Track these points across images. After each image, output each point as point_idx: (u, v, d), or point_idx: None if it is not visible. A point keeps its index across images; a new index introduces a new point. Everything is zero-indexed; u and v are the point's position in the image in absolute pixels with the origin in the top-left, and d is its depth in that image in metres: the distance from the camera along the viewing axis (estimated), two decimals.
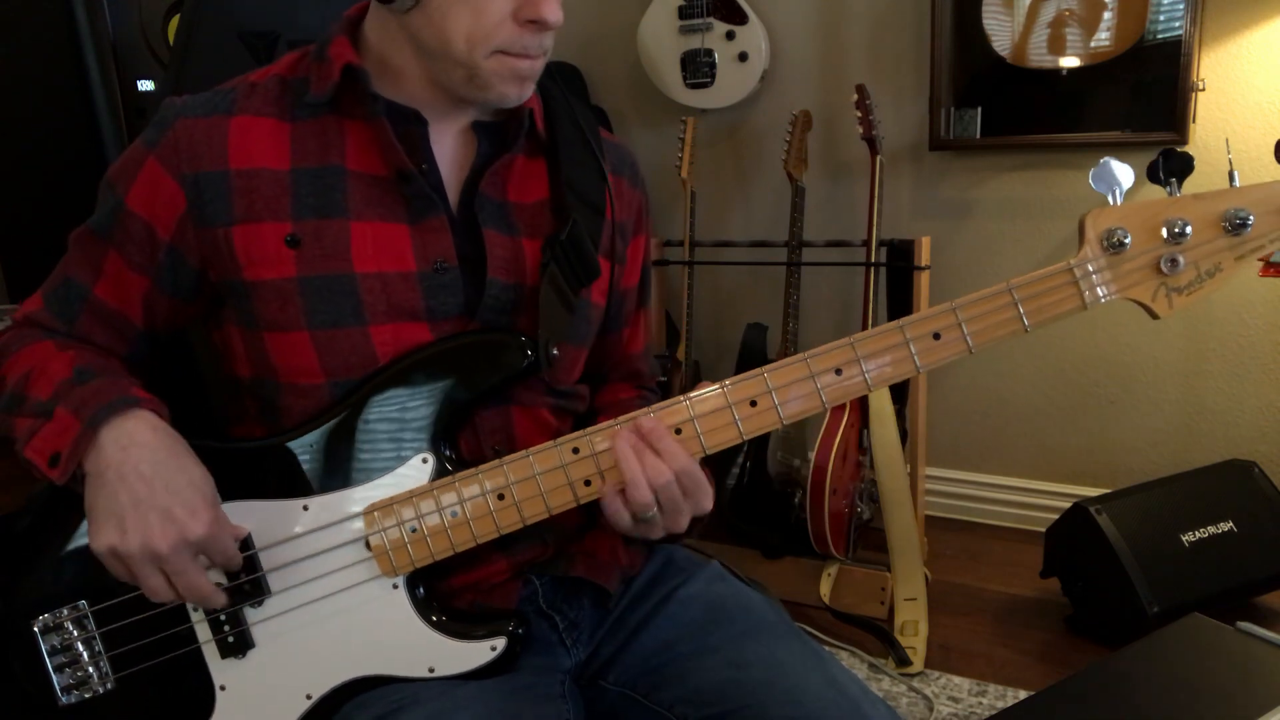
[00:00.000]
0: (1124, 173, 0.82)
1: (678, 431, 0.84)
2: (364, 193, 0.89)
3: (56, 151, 1.79)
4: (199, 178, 0.87)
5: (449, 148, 0.93)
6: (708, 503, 0.85)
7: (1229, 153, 0.83)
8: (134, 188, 0.89)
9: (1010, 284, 0.82)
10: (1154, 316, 0.84)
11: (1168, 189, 0.82)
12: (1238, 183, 0.82)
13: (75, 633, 0.87)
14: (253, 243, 0.87)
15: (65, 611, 0.87)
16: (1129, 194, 0.83)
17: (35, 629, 0.87)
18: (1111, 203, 0.82)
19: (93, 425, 0.81)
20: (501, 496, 0.85)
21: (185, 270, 0.90)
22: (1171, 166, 0.82)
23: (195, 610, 0.87)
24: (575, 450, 0.85)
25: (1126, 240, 0.81)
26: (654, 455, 0.83)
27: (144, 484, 0.80)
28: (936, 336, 0.83)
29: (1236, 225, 0.80)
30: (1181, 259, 0.81)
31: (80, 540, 0.88)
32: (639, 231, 1.06)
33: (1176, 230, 0.80)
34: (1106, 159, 0.82)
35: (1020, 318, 0.82)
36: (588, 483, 0.85)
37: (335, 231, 0.87)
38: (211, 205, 0.87)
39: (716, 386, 0.85)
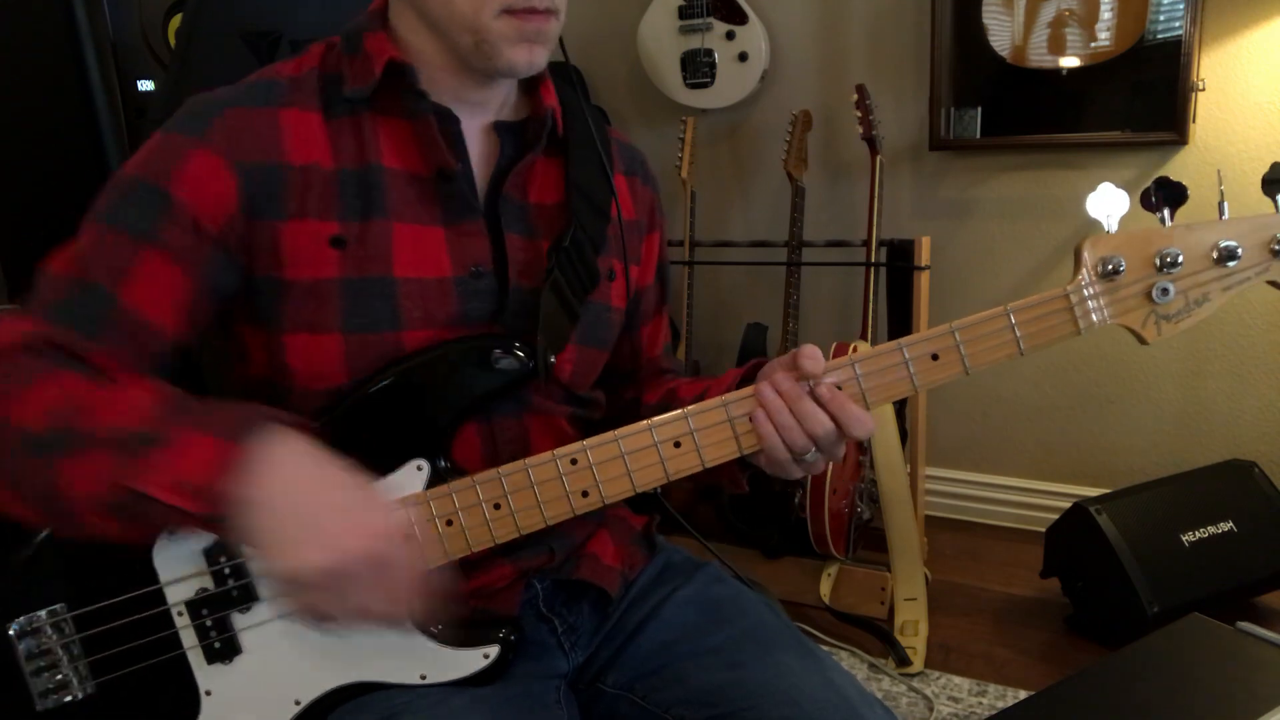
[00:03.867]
0: (1120, 199, 0.82)
1: (677, 445, 0.83)
2: (403, 193, 0.86)
3: (56, 151, 1.79)
4: (254, 168, 0.82)
5: (476, 148, 0.91)
6: (872, 427, 0.83)
7: (1220, 184, 0.84)
8: (180, 179, 0.81)
9: (1008, 308, 0.82)
10: (1142, 342, 0.85)
11: (1159, 217, 0.83)
12: (1227, 215, 0.83)
13: (53, 637, 0.84)
14: (299, 240, 0.83)
15: (43, 615, 0.84)
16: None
17: (10, 632, 0.84)
18: (1107, 228, 0.83)
19: (245, 441, 0.70)
20: (498, 506, 0.84)
21: (231, 267, 0.84)
22: (1165, 194, 0.83)
23: (180, 615, 0.85)
24: (574, 461, 0.83)
25: (1122, 268, 0.82)
26: (810, 403, 0.80)
27: (339, 490, 0.72)
28: (935, 358, 0.83)
29: (1225, 256, 0.82)
30: (1172, 288, 0.82)
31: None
32: (653, 229, 1.05)
33: (1169, 260, 0.82)
34: (1104, 184, 0.82)
35: (1016, 341, 0.83)
36: (585, 494, 0.84)
37: (379, 233, 0.85)
38: (265, 198, 0.83)
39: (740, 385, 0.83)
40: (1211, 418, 2.31)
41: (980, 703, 1.80)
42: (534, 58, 0.85)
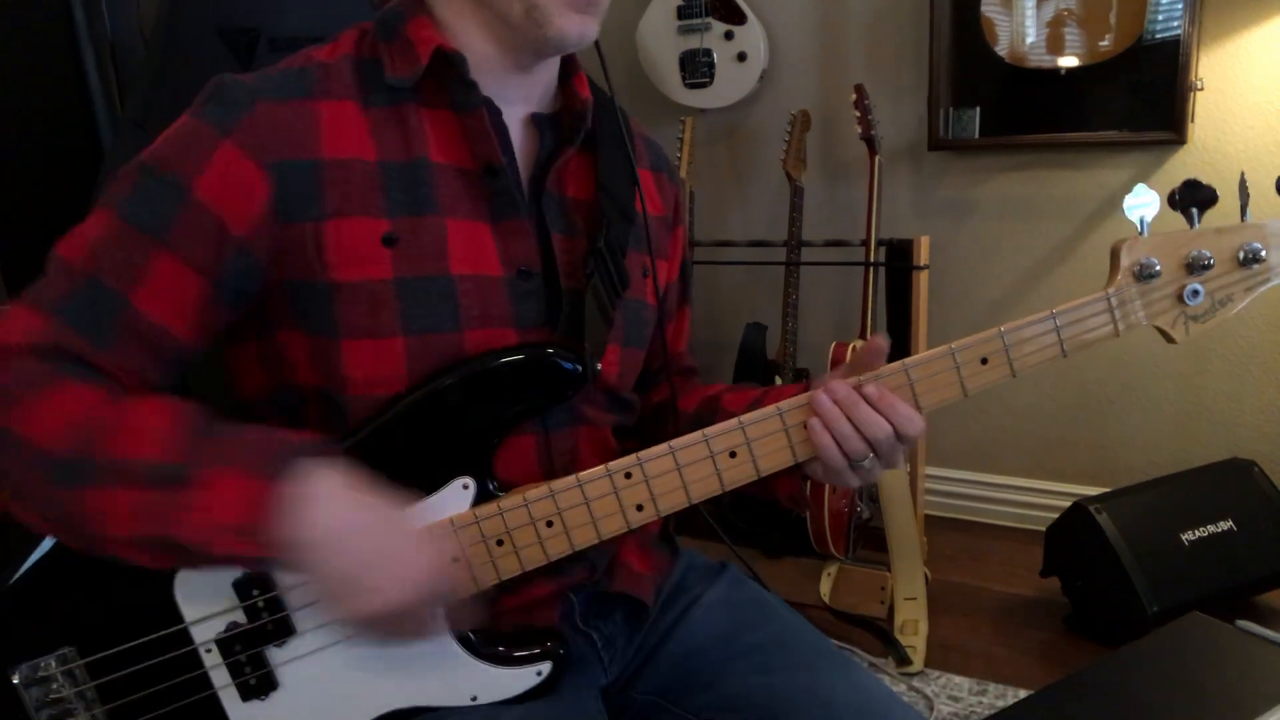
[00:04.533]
0: (1153, 200, 0.83)
1: (732, 455, 0.82)
2: (451, 187, 0.82)
3: (54, 152, 1.78)
4: (288, 167, 0.77)
5: (517, 141, 0.87)
6: (923, 426, 0.84)
7: (1247, 186, 0.84)
8: (204, 175, 0.76)
9: (1054, 311, 0.83)
10: (1170, 341, 0.86)
11: (1189, 218, 0.84)
12: (1249, 218, 0.84)
13: (65, 686, 0.78)
14: (346, 240, 0.78)
15: (52, 663, 0.78)
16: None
17: (14, 680, 0.78)
18: (1139, 230, 0.84)
19: (279, 477, 0.70)
20: (550, 524, 0.80)
21: (254, 273, 0.79)
22: (1193, 197, 0.84)
23: (209, 653, 0.80)
24: (628, 475, 0.81)
25: (1157, 270, 0.83)
26: (866, 409, 0.80)
27: (386, 532, 0.73)
28: (984, 361, 0.83)
29: (1249, 259, 0.83)
30: (1202, 290, 0.84)
31: (56, 571, 0.78)
32: (678, 223, 1.03)
33: (1202, 263, 0.83)
34: (1139, 185, 0.83)
35: (1060, 344, 0.84)
36: (640, 508, 0.81)
37: (432, 229, 0.81)
38: (300, 198, 0.78)
39: (774, 409, 0.82)
40: (1211, 417, 2.31)
41: (980, 702, 1.80)
42: (585, 28, 0.83)
